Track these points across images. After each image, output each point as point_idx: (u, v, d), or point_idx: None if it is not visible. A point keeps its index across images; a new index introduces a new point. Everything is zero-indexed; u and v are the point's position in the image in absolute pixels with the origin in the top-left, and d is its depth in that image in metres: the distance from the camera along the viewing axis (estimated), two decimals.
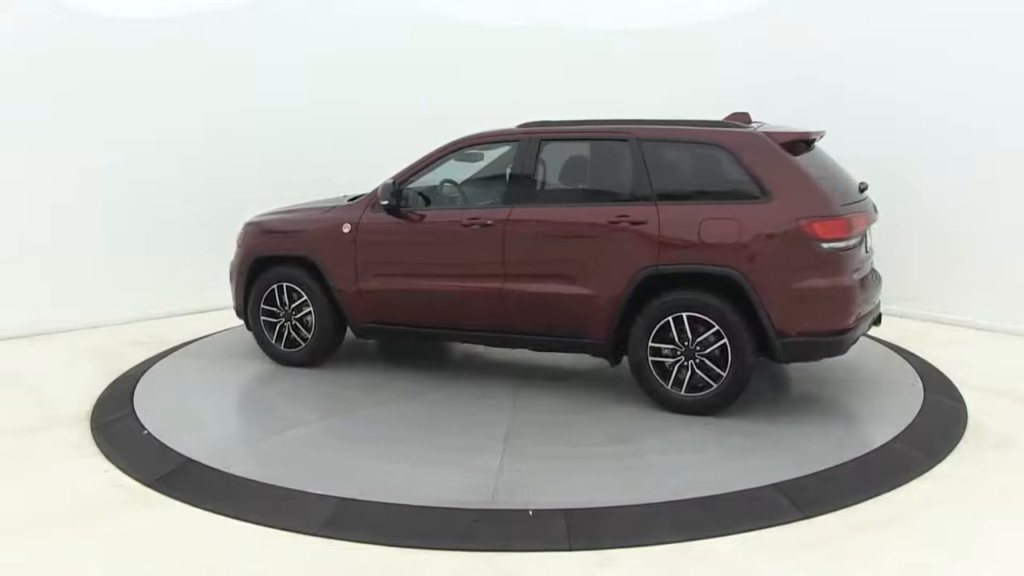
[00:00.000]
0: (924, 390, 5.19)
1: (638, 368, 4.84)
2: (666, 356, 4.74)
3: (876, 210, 5.14)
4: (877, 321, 5.19)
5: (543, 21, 8.81)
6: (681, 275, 4.71)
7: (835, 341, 4.61)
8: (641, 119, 5.11)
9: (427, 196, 5.55)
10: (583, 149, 5.22)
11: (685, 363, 4.70)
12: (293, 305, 5.75)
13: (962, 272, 6.92)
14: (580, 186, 5.26)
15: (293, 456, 4.35)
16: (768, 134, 4.73)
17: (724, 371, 4.62)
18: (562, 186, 5.31)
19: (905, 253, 6.60)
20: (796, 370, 5.56)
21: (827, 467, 4.07)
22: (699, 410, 4.71)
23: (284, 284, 5.75)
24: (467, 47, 8.61)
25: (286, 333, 5.80)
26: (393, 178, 5.38)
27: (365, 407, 5.07)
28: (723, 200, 4.71)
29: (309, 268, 5.67)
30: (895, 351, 6.09)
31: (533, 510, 3.66)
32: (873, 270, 5.20)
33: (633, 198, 4.85)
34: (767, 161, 4.63)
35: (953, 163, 6.95)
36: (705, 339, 4.64)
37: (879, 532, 3.53)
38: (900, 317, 6.88)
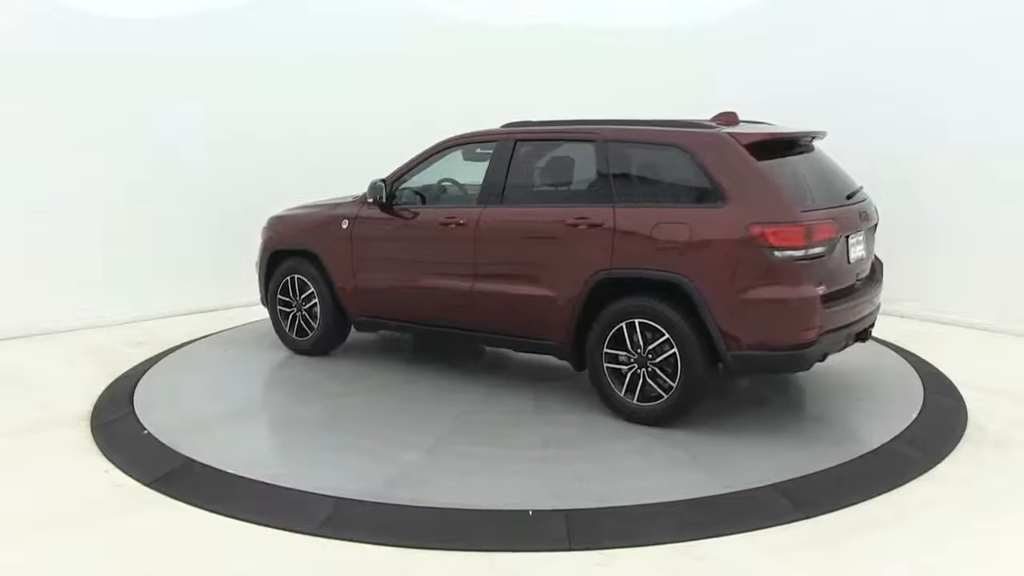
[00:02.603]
0: (924, 390, 5.18)
1: (594, 373, 4.74)
2: (621, 363, 4.60)
3: (867, 217, 4.86)
4: (864, 336, 4.84)
5: (543, 21, 8.81)
6: (633, 280, 4.57)
7: (792, 356, 4.30)
8: (615, 119, 4.95)
9: (420, 193, 5.59)
10: (555, 150, 5.16)
11: (638, 371, 4.54)
12: (303, 296, 5.94)
13: (962, 272, 6.92)
14: (549, 187, 5.20)
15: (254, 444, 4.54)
16: (733, 135, 4.46)
17: (675, 381, 4.44)
18: (532, 187, 5.22)
19: (905, 253, 6.58)
20: None
21: (827, 467, 4.06)
22: (651, 419, 4.53)
23: (296, 276, 5.97)
24: (467, 47, 8.61)
25: (297, 322, 6.03)
26: (385, 178, 5.46)
27: (341, 396, 5.19)
28: (679, 203, 4.51)
29: (314, 261, 5.87)
30: (894, 351, 6.09)
31: (533, 510, 3.64)
32: (868, 281, 4.93)
33: (594, 200, 4.72)
34: (726, 163, 4.38)
35: (953, 163, 6.95)
36: (658, 347, 4.46)
37: (879, 532, 3.53)
38: (900, 317, 6.88)
